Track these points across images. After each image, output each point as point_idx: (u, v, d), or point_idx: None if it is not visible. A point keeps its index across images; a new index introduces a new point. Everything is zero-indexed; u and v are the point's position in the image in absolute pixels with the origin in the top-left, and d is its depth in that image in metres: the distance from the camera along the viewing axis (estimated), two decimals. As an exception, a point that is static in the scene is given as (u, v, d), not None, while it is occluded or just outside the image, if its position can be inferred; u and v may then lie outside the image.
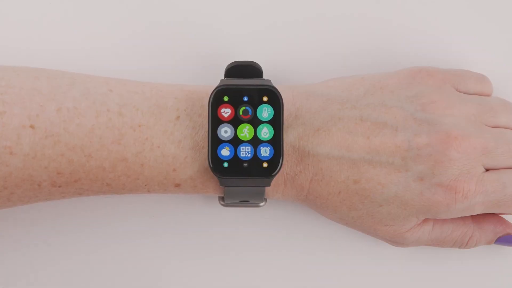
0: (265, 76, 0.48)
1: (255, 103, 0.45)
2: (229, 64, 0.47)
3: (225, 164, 0.45)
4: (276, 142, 0.45)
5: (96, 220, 0.52)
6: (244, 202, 0.47)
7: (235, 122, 0.45)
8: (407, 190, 0.45)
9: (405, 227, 0.47)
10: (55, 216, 0.51)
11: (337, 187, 0.46)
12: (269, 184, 0.45)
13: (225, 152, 0.45)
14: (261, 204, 0.48)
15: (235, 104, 0.45)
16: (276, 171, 0.45)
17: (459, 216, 0.47)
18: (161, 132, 0.45)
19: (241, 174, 0.45)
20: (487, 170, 0.46)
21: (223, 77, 0.47)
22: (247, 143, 0.45)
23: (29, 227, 0.51)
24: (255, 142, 0.45)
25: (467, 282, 0.52)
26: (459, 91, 0.48)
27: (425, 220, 0.48)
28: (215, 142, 0.45)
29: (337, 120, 0.46)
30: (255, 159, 0.45)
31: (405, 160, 0.45)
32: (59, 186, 0.44)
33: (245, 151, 0.45)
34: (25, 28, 0.52)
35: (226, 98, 0.45)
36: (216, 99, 0.45)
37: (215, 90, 0.45)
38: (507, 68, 0.53)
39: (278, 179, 0.46)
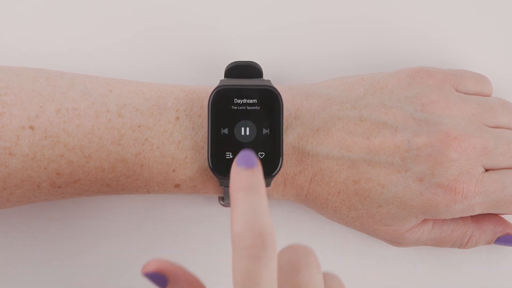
0: (265, 76, 0.48)
1: (255, 103, 0.45)
2: (229, 64, 0.47)
3: (225, 164, 0.45)
4: (276, 142, 0.45)
5: (96, 220, 0.52)
6: (244, 202, 0.47)
7: (235, 122, 0.45)
8: (407, 190, 0.45)
9: (404, 227, 0.47)
10: (54, 215, 0.51)
11: (337, 187, 0.46)
12: (269, 184, 0.45)
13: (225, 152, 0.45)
14: (261, 204, 0.47)
15: (235, 104, 0.45)
16: (276, 171, 0.45)
17: (459, 216, 0.47)
18: (161, 133, 0.45)
19: (241, 175, 0.45)
20: (486, 170, 0.46)
21: (223, 77, 0.47)
22: (247, 144, 0.45)
23: (28, 227, 0.51)
24: (255, 142, 0.45)
25: (467, 282, 0.52)
26: (459, 91, 0.48)
27: (425, 220, 0.48)
28: (215, 142, 0.45)
29: (337, 120, 0.46)
30: (255, 159, 0.45)
31: (404, 160, 0.45)
32: (59, 187, 0.44)
33: (244, 151, 0.45)
34: (25, 28, 0.52)
35: (226, 99, 0.45)
36: (216, 100, 0.45)
37: (215, 91, 0.45)
38: (507, 68, 0.53)
39: (278, 179, 0.46)
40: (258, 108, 0.45)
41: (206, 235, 0.52)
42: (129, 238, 0.52)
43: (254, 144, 0.45)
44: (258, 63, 0.47)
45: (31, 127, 0.43)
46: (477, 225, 0.49)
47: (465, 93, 0.49)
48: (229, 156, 0.45)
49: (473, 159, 0.45)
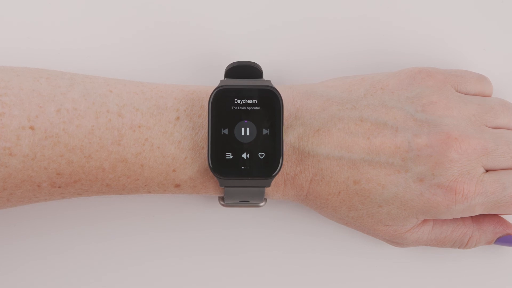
0: (265, 77, 0.48)
1: (255, 104, 0.45)
2: (229, 65, 0.47)
3: (225, 165, 0.44)
4: (276, 142, 0.45)
5: (96, 220, 0.52)
6: (244, 202, 0.47)
7: (235, 122, 0.45)
8: (407, 190, 0.45)
9: (404, 228, 0.47)
10: (54, 215, 0.51)
11: (337, 187, 0.46)
12: (269, 185, 0.45)
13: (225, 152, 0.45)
14: (261, 204, 0.48)
15: (235, 104, 0.45)
16: (276, 171, 0.45)
17: (459, 216, 0.47)
18: (161, 133, 0.45)
19: (241, 175, 0.45)
20: (487, 171, 0.46)
21: (223, 78, 0.47)
22: (247, 144, 0.45)
23: (28, 226, 0.51)
24: (255, 142, 0.45)
25: (467, 282, 0.52)
26: (459, 92, 0.48)
27: (425, 221, 0.48)
28: (215, 142, 0.45)
29: (337, 120, 0.46)
30: (255, 159, 0.45)
31: (405, 160, 0.45)
32: (59, 187, 0.44)
33: (245, 152, 0.45)
34: (25, 28, 0.52)
35: (226, 99, 0.45)
36: (216, 100, 0.45)
37: (215, 91, 0.45)
38: (507, 68, 0.53)
39: (278, 179, 0.46)
40: (258, 108, 0.45)
41: (206, 235, 0.52)
42: (129, 238, 0.52)
43: (254, 145, 0.45)
44: (258, 63, 0.47)
45: (31, 128, 0.43)
46: (477, 226, 0.49)
47: (466, 94, 0.49)
48: (229, 157, 0.45)
49: (474, 160, 0.45)
